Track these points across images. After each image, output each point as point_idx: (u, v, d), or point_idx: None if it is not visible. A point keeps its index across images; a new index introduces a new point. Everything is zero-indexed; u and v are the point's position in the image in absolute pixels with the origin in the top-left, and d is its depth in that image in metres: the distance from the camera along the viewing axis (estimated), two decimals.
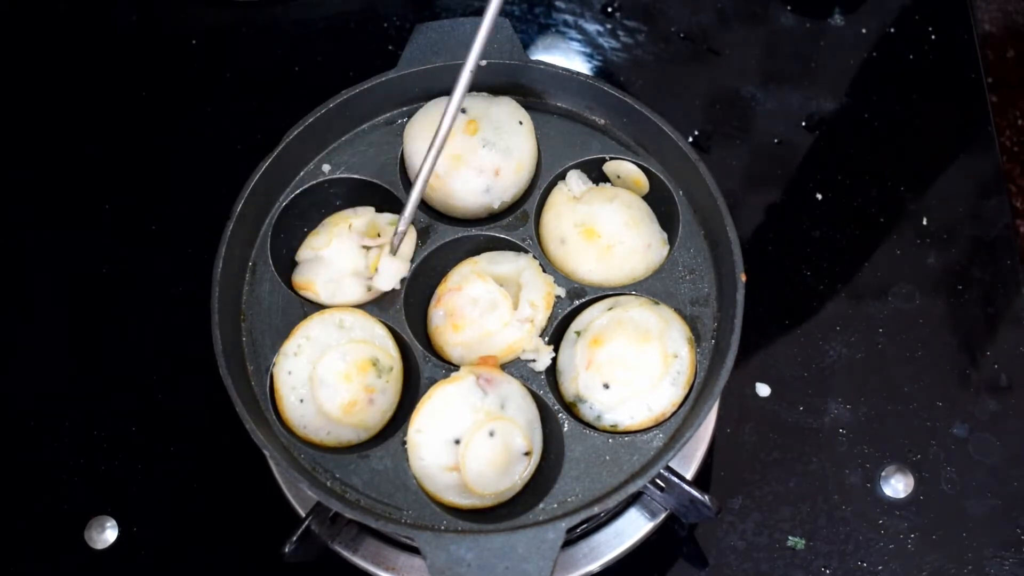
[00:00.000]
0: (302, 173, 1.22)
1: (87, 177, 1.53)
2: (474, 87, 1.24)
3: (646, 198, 1.22)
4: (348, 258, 1.14)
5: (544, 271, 1.16)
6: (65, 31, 1.65)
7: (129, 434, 1.36)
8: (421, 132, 1.19)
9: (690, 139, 1.53)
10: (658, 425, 1.08)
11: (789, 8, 1.63)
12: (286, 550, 1.07)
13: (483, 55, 1.20)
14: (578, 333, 1.13)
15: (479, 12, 1.63)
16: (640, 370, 1.08)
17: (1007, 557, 1.26)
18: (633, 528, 1.21)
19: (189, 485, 1.32)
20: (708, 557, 1.27)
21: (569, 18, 1.64)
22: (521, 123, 1.19)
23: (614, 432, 1.09)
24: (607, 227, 1.16)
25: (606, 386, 1.09)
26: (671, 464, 1.06)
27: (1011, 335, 1.38)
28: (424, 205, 1.21)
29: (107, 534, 1.30)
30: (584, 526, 1.20)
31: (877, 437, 1.33)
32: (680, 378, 1.09)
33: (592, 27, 1.63)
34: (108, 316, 1.44)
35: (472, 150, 1.16)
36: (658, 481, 1.11)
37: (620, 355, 1.08)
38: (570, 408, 1.11)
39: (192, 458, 1.34)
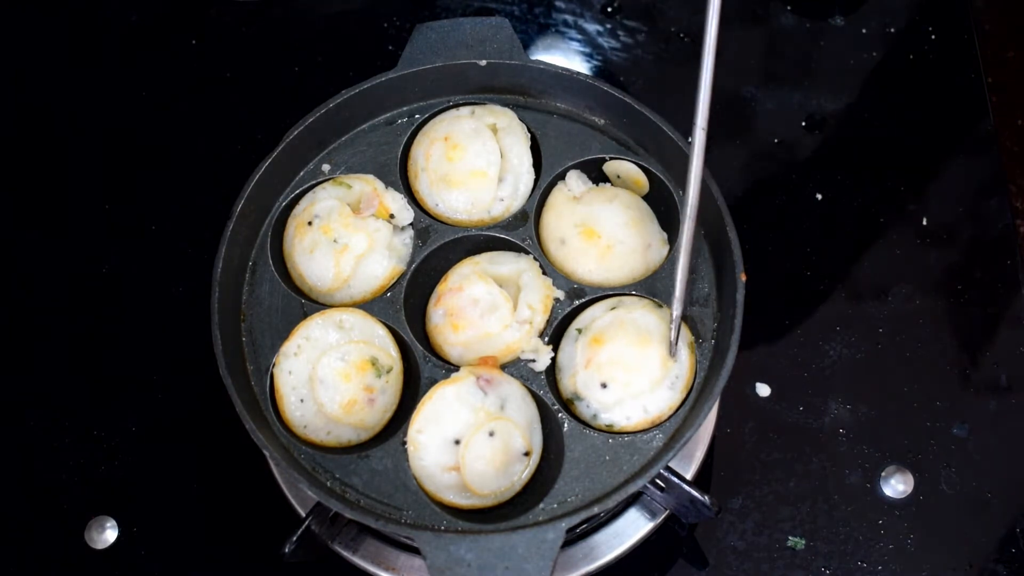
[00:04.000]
0: (302, 173, 1.22)
1: (87, 177, 1.53)
2: (474, 89, 1.25)
3: (646, 198, 1.22)
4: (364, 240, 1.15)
5: (544, 272, 1.16)
6: (65, 31, 1.65)
7: (129, 434, 1.36)
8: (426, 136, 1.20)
9: (690, 139, 1.52)
10: (657, 426, 1.08)
11: (789, 8, 1.63)
12: (286, 550, 1.07)
13: (482, 55, 1.21)
14: (579, 331, 1.13)
15: (479, 12, 1.64)
16: (639, 372, 1.08)
17: (1006, 557, 1.26)
18: (633, 528, 1.21)
19: (189, 485, 1.32)
20: (708, 557, 1.27)
21: (569, 18, 1.64)
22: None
23: (611, 432, 1.09)
24: (607, 227, 1.16)
25: (604, 385, 1.09)
26: (671, 464, 1.06)
27: (1011, 335, 1.38)
28: (422, 208, 1.21)
29: (107, 534, 1.30)
30: (584, 526, 1.20)
31: (877, 437, 1.33)
32: (678, 383, 1.09)
33: (592, 27, 1.63)
34: (108, 316, 1.44)
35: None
36: (658, 481, 1.11)
37: (620, 356, 1.08)
38: (567, 405, 1.11)
39: (192, 458, 1.34)
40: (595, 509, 1.01)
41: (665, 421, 1.08)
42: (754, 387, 1.36)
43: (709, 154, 1.52)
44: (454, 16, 1.59)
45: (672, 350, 1.09)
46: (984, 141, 1.52)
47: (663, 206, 1.21)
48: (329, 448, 1.10)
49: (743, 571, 1.26)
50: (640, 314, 1.11)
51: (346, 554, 1.20)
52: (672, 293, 1.07)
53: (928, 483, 1.30)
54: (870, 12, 1.62)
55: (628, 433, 1.08)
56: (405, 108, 1.25)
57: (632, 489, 1.02)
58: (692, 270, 1.15)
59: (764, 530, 1.28)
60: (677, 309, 1.07)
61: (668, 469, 1.08)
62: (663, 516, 1.21)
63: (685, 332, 1.12)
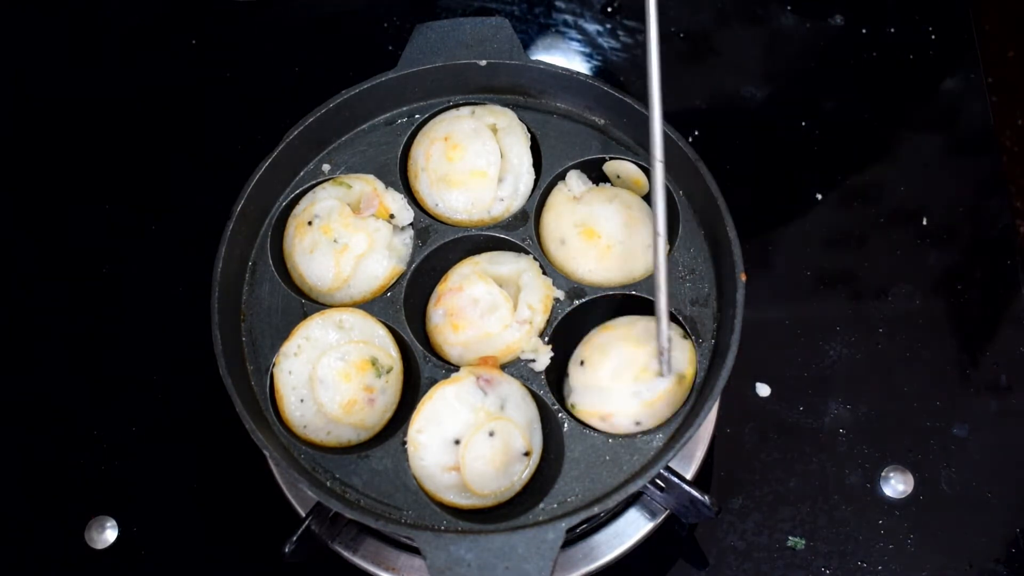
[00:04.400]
0: (302, 173, 1.22)
1: (87, 177, 1.53)
2: (474, 89, 1.25)
3: (646, 198, 1.22)
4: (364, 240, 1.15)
5: (544, 272, 1.16)
6: (65, 31, 1.65)
7: (129, 434, 1.36)
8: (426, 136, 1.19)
9: (690, 139, 1.53)
10: (657, 426, 1.09)
11: (789, 8, 1.63)
12: (286, 550, 1.07)
13: (482, 55, 1.21)
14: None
15: (479, 12, 1.64)
16: (610, 364, 1.09)
17: (1006, 557, 1.26)
18: (633, 528, 1.21)
19: (189, 485, 1.32)
20: (708, 557, 1.27)
21: (569, 18, 1.64)
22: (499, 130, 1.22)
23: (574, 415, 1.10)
24: (607, 227, 1.16)
25: (582, 363, 1.11)
26: (671, 464, 1.06)
27: (1011, 335, 1.38)
28: (422, 208, 1.21)
29: (107, 534, 1.30)
30: (584, 526, 1.20)
31: (877, 437, 1.32)
32: (646, 395, 1.08)
33: (592, 27, 1.63)
34: (108, 316, 1.44)
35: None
36: (658, 481, 1.11)
37: (608, 344, 1.10)
38: (559, 381, 1.14)
39: (192, 458, 1.34)
40: (595, 509, 1.01)
41: (638, 434, 1.08)
42: (754, 387, 1.36)
43: (710, 154, 1.53)
44: (454, 16, 1.59)
45: (663, 370, 1.08)
46: (984, 141, 1.52)
47: None
48: (329, 448, 1.10)
49: (743, 571, 1.26)
50: (644, 325, 1.11)
51: (346, 554, 1.20)
52: (659, 332, 1.06)
53: (928, 483, 1.30)
54: (870, 12, 1.62)
55: (623, 436, 1.08)
56: (405, 108, 1.25)
57: (632, 489, 1.02)
58: (691, 270, 1.16)
59: (764, 530, 1.28)
60: (665, 343, 1.07)
61: (668, 469, 1.08)
62: (663, 516, 1.21)
63: (687, 351, 1.11)
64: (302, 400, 1.10)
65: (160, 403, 1.37)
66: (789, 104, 1.56)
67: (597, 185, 1.23)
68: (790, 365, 1.37)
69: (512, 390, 1.09)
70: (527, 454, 1.08)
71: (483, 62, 1.21)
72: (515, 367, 1.12)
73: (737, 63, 1.59)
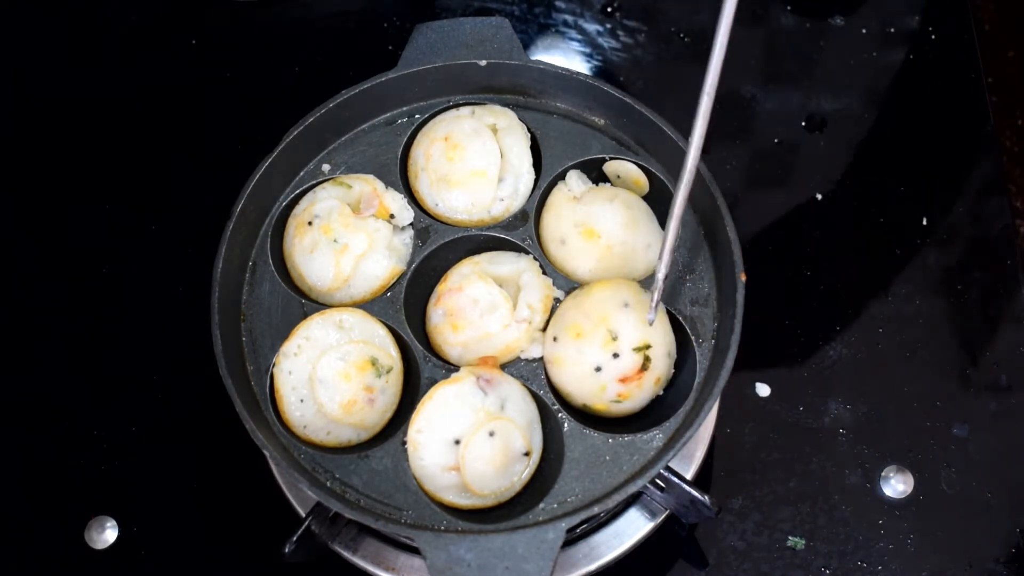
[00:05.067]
0: (302, 173, 1.22)
1: (87, 177, 1.53)
2: (474, 89, 1.25)
3: (646, 198, 1.22)
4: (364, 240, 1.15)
5: (544, 271, 1.16)
6: (65, 31, 1.65)
7: (129, 434, 1.36)
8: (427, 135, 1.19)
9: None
10: (657, 425, 1.09)
11: (789, 8, 1.63)
12: (286, 550, 1.07)
13: (482, 55, 1.21)
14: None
15: (479, 12, 1.64)
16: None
17: (1006, 557, 1.26)
18: (633, 528, 1.21)
19: (189, 485, 1.32)
20: (708, 557, 1.27)
21: (569, 18, 1.64)
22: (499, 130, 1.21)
23: (610, 431, 1.09)
24: (607, 227, 1.16)
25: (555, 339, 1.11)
26: (671, 464, 1.06)
27: (1011, 335, 1.38)
28: (422, 208, 1.21)
29: (107, 534, 1.30)
30: (584, 526, 1.20)
31: (877, 437, 1.33)
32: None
33: (592, 27, 1.63)
34: (108, 316, 1.44)
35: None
36: (658, 481, 1.11)
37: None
38: None
39: (192, 458, 1.34)
40: (595, 509, 1.01)
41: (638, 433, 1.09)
42: (754, 387, 1.36)
43: (709, 154, 1.53)
44: (454, 16, 1.59)
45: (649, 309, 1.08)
46: (984, 141, 1.52)
47: (663, 206, 1.20)
48: (329, 448, 1.10)
49: (743, 571, 1.26)
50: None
51: (346, 554, 1.20)
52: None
53: (928, 483, 1.30)
54: (870, 12, 1.62)
55: (628, 433, 1.08)
56: (405, 108, 1.25)
57: (632, 489, 1.03)
58: (691, 269, 1.16)
59: (764, 530, 1.28)
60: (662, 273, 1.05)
61: (668, 469, 1.08)
62: (663, 516, 1.21)
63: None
64: (302, 400, 1.10)
65: (160, 403, 1.37)
66: (789, 104, 1.56)
67: (597, 185, 1.22)
68: (790, 365, 1.37)
69: (512, 390, 1.09)
70: (527, 454, 1.08)
71: (483, 62, 1.21)
72: (515, 367, 1.12)
73: (737, 63, 1.59)
